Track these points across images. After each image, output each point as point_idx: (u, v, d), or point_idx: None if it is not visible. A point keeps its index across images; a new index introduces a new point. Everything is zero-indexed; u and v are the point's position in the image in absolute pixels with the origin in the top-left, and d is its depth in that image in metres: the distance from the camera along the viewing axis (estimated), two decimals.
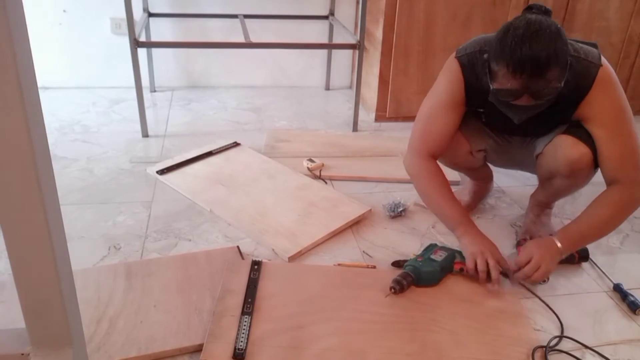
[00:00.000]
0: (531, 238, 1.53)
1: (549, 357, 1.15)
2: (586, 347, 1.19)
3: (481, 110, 1.47)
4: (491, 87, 1.27)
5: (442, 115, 1.43)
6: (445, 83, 1.43)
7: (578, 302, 1.34)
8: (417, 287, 1.32)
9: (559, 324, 1.26)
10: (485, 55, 1.27)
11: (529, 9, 1.25)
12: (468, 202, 1.73)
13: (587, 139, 1.34)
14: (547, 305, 1.31)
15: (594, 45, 1.35)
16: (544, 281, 1.38)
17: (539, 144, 1.48)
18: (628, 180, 1.31)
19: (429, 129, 1.46)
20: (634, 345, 1.21)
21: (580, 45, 1.32)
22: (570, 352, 1.17)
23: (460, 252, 1.39)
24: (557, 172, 1.40)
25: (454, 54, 1.42)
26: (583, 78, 1.28)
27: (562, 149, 1.36)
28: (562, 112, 1.36)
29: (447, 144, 1.46)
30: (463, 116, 1.47)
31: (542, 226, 1.60)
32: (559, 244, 1.32)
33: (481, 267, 1.31)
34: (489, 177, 1.79)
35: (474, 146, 1.55)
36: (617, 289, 1.38)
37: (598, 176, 1.40)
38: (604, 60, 1.31)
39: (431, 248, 1.40)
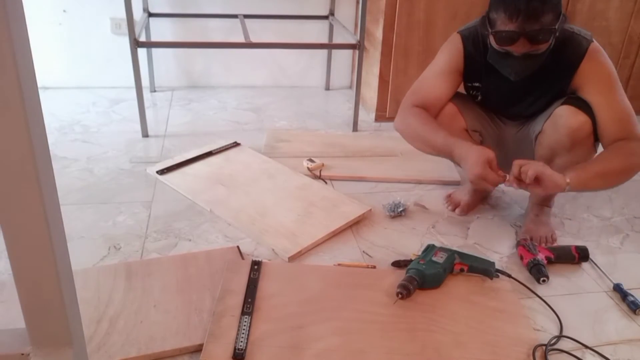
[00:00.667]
0: (532, 238, 1.53)
1: (548, 357, 1.15)
2: (586, 347, 1.19)
3: (477, 84, 1.54)
4: (489, 37, 1.35)
5: (434, 78, 1.54)
6: (445, 52, 1.54)
7: (578, 302, 1.34)
8: (420, 290, 1.31)
9: (559, 324, 1.26)
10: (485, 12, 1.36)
11: None
12: (468, 201, 1.73)
13: (586, 108, 1.38)
14: (548, 305, 1.31)
15: (588, 33, 1.42)
16: (544, 280, 1.39)
17: (537, 124, 1.50)
18: (631, 137, 1.36)
19: (419, 86, 1.56)
20: (634, 345, 1.21)
21: (574, 26, 1.42)
22: (570, 352, 1.17)
23: (460, 252, 1.39)
24: (559, 145, 1.42)
25: (456, 31, 1.53)
26: (575, 50, 1.38)
27: (563, 119, 1.39)
28: (555, 85, 1.42)
29: (437, 105, 1.52)
30: (461, 96, 1.55)
31: (542, 225, 1.60)
32: (567, 178, 1.33)
33: (488, 183, 1.37)
34: None
35: (469, 124, 1.58)
36: (617, 289, 1.38)
37: None
38: (595, 42, 1.39)
39: (431, 249, 1.40)
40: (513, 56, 1.34)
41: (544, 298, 1.34)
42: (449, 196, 1.79)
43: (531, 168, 1.32)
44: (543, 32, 1.28)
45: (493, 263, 1.38)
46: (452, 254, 1.38)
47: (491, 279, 1.36)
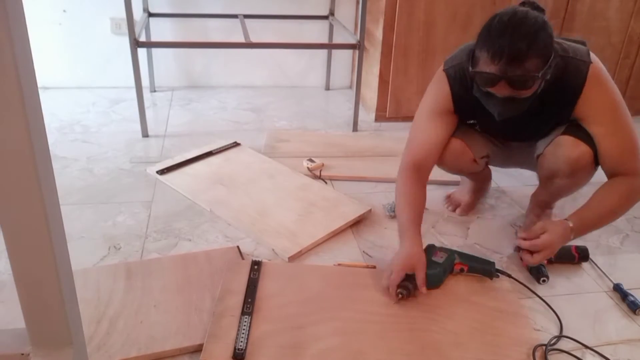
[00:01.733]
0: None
1: (549, 357, 1.15)
2: (586, 347, 1.19)
3: (473, 122, 1.51)
4: (472, 72, 1.29)
5: (425, 126, 1.45)
6: (432, 94, 1.46)
7: (578, 302, 1.34)
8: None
9: (559, 324, 1.26)
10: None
11: (522, 4, 1.27)
12: (468, 201, 1.73)
13: (586, 138, 1.35)
14: (547, 305, 1.31)
15: (582, 43, 1.36)
16: (544, 280, 1.39)
17: (539, 145, 1.48)
18: (631, 172, 1.33)
19: (412, 138, 1.48)
20: (634, 345, 1.21)
21: (569, 44, 1.33)
22: (570, 352, 1.17)
23: (460, 253, 1.39)
24: (559, 171, 1.40)
25: (442, 66, 1.44)
26: (575, 77, 1.29)
27: (563, 148, 1.37)
28: (557, 114, 1.37)
29: (434, 152, 1.45)
30: (462, 126, 1.50)
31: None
32: (571, 232, 1.32)
33: (384, 282, 1.28)
34: (488, 177, 1.80)
35: (477, 154, 1.55)
36: (617, 289, 1.38)
37: (597, 176, 1.40)
38: (593, 56, 1.32)
39: (431, 249, 1.38)
40: (496, 97, 1.27)
41: (544, 298, 1.34)
42: (448, 197, 1.79)
43: (533, 257, 1.32)
44: (525, 78, 1.20)
45: (493, 263, 1.38)
46: (451, 254, 1.38)
47: (491, 279, 1.36)
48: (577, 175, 1.39)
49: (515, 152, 1.60)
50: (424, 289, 1.26)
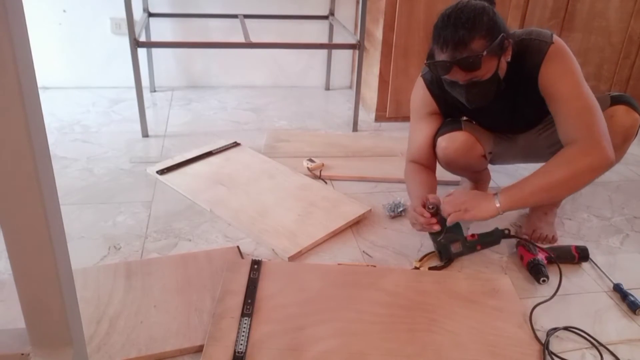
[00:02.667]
0: (532, 233, 1.58)
1: (549, 357, 1.15)
2: (587, 336, 1.19)
3: (465, 118, 1.56)
4: (428, 64, 1.36)
5: (418, 127, 1.57)
6: (417, 100, 1.57)
7: (578, 302, 1.34)
8: (442, 260, 1.44)
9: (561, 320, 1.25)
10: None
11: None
12: None
13: (636, 106, 1.39)
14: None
15: (549, 30, 1.40)
16: (544, 280, 1.39)
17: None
18: (586, 140, 1.28)
19: (410, 140, 1.61)
20: (634, 345, 1.21)
21: (535, 29, 1.39)
22: (570, 351, 1.18)
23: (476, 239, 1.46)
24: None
25: (420, 76, 1.55)
26: (535, 56, 1.34)
27: (618, 118, 1.37)
28: (530, 96, 1.40)
29: (428, 150, 1.56)
30: (469, 122, 1.56)
31: (547, 225, 1.61)
32: (496, 199, 1.34)
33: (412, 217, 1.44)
34: (487, 178, 1.80)
35: (486, 149, 1.57)
36: (617, 289, 1.38)
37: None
38: (556, 38, 1.35)
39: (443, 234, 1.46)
40: (460, 85, 1.33)
41: (543, 298, 1.34)
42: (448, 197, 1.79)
43: (451, 209, 1.39)
44: (472, 59, 1.26)
45: (501, 230, 1.45)
46: (458, 228, 1.46)
47: (498, 243, 1.44)
48: (623, 147, 1.41)
49: (521, 145, 1.61)
50: (448, 208, 1.39)
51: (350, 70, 2.89)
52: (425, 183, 1.52)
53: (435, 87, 1.50)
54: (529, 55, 1.35)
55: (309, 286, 1.31)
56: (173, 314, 1.20)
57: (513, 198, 1.33)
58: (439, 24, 1.30)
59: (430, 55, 1.36)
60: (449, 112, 1.54)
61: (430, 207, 1.40)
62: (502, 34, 1.28)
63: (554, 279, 1.41)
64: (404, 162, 1.62)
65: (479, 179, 1.74)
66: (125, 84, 2.57)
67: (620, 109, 1.38)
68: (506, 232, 1.45)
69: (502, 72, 1.33)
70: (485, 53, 1.25)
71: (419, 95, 1.55)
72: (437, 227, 1.40)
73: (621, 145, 1.40)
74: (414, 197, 1.50)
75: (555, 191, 1.33)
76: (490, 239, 1.46)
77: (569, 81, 1.33)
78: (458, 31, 1.25)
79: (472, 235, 1.46)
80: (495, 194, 1.35)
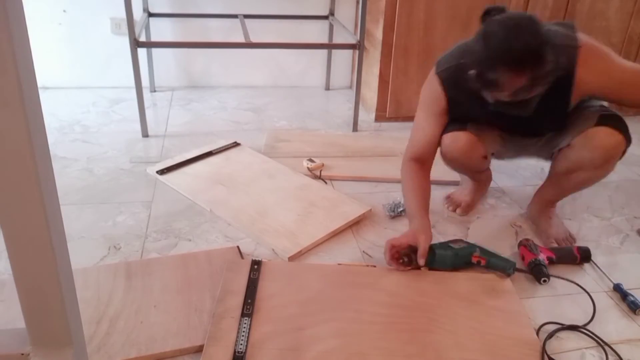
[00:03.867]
0: (557, 243, 1.55)
1: (548, 354, 1.15)
2: (593, 335, 1.19)
3: (475, 119, 1.52)
4: (495, 96, 1.28)
5: (422, 125, 1.53)
6: (426, 97, 1.51)
7: (578, 302, 1.34)
8: (430, 269, 1.38)
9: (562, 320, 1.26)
10: (472, 72, 1.27)
11: (488, 13, 1.28)
12: (468, 202, 1.74)
13: (621, 126, 1.37)
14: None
15: (570, 27, 1.35)
16: (545, 281, 1.38)
17: (563, 139, 1.47)
18: None
19: (413, 137, 1.56)
20: (634, 345, 1.21)
21: (555, 29, 1.32)
22: (570, 351, 1.18)
23: (481, 248, 1.42)
24: (589, 161, 1.40)
25: (434, 69, 1.47)
26: (566, 63, 1.30)
27: (598, 139, 1.37)
28: (561, 101, 1.38)
29: (432, 148, 1.53)
30: (473, 121, 1.52)
31: (559, 227, 1.61)
32: None
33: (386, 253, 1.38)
34: (489, 178, 1.80)
35: (488, 149, 1.56)
36: (617, 289, 1.38)
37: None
38: (580, 37, 1.32)
39: (455, 240, 1.45)
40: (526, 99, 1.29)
41: (543, 298, 1.34)
42: (448, 197, 1.79)
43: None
44: (550, 69, 1.21)
45: (513, 263, 1.40)
46: (472, 246, 1.42)
47: (508, 276, 1.38)
48: (605, 167, 1.41)
49: (526, 144, 1.60)
50: (422, 260, 1.34)
51: (350, 70, 2.89)
52: (420, 190, 1.49)
53: (453, 89, 1.44)
54: (560, 64, 1.27)
55: (309, 286, 1.31)
56: (173, 314, 1.20)
57: None
58: (499, 46, 1.20)
59: (491, 84, 1.25)
60: (459, 114, 1.50)
61: (405, 258, 1.36)
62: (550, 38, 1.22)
63: (554, 279, 1.41)
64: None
65: (479, 179, 1.74)
66: (125, 84, 2.57)
67: (602, 131, 1.37)
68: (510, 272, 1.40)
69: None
70: (555, 59, 1.21)
71: (432, 93, 1.49)
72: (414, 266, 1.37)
73: (602, 165, 1.40)
74: (408, 205, 1.48)
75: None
76: (498, 264, 1.41)
77: (616, 71, 1.32)
78: (528, 47, 1.18)
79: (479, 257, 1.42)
80: None
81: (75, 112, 2.39)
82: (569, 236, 1.59)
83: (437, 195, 1.83)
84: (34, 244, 0.61)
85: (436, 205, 1.76)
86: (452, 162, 1.59)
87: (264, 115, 2.48)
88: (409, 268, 1.37)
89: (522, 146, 1.61)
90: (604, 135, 1.37)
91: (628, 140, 1.38)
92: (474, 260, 1.40)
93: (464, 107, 1.46)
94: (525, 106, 1.31)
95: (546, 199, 1.61)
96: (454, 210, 1.74)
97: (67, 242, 0.69)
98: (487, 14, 1.28)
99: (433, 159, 1.56)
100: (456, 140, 1.51)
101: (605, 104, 1.47)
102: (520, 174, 1.93)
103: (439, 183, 1.89)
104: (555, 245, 1.54)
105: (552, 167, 1.56)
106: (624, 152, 1.40)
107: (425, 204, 1.46)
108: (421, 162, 1.54)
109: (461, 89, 1.37)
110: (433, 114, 1.50)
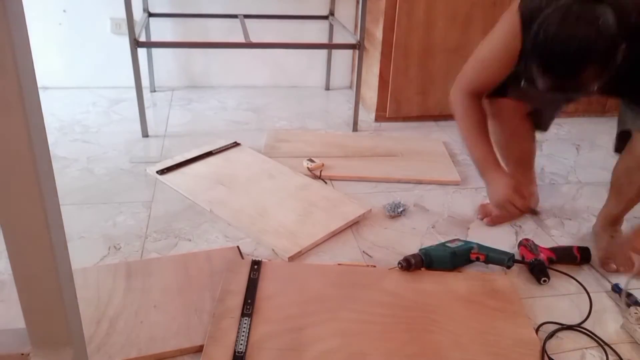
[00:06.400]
0: (616, 264, 1.46)
1: (548, 353, 1.15)
2: (592, 335, 1.19)
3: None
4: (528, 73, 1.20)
5: (493, 64, 1.40)
6: (502, 34, 1.36)
7: (578, 302, 1.34)
8: (428, 269, 1.38)
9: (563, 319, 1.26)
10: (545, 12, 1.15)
11: None
12: (498, 214, 1.63)
13: None
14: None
15: None
16: (545, 281, 1.39)
17: (628, 120, 1.34)
18: None
19: (479, 70, 1.44)
20: (634, 345, 1.21)
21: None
22: (570, 351, 1.18)
23: (478, 244, 1.43)
24: None
25: (516, 4, 1.31)
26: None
27: None
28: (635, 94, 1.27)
29: (490, 88, 1.46)
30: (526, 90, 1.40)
31: (620, 247, 1.50)
32: None
33: (511, 211, 1.33)
34: (533, 154, 1.69)
35: (533, 109, 1.49)
36: (616, 289, 1.38)
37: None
38: None
39: (452, 240, 1.45)
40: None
41: (543, 298, 1.34)
42: (482, 205, 1.72)
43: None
44: (583, 90, 1.14)
45: (512, 254, 1.41)
46: (469, 244, 1.43)
47: (508, 268, 1.39)
48: None
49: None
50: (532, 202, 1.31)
51: (350, 70, 2.89)
52: (486, 133, 1.41)
53: (528, 32, 1.22)
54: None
55: (309, 286, 1.31)
56: (173, 314, 1.20)
57: None
58: (541, 37, 1.11)
59: (532, 48, 1.15)
60: (521, 72, 1.33)
61: (404, 263, 1.36)
62: (616, 53, 1.08)
63: (554, 279, 1.41)
64: (404, 159, 1.55)
65: (524, 153, 1.66)
66: (125, 84, 2.56)
67: None
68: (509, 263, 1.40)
69: None
70: (599, 84, 1.11)
71: (508, 33, 1.33)
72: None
73: None
74: (480, 151, 1.41)
75: None
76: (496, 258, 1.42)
77: None
78: (565, 56, 1.08)
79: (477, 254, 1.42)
80: None
81: (75, 112, 2.39)
82: (629, 259, 1.44)
83: (437, 195, 1.83)
84: (34, 244, 0.61)
85: (437, 206, 1.76)
86: (500, 124, 1.52)
87: (264, 115, 2.48)
88: (408, 270, 1.36)
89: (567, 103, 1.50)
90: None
91: None
92: (473, 257, 1.41)
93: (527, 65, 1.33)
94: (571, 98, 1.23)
95: (609, 214, 1.53)
96: (482, 219, 1.67)
97: (67, 242, 0.69)
98: None
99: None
100: (500, 104, 1.47)
101: None
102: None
103: (439, 183, 1.89)
104: (614, 266, 1.45)
105: (612, 172, 1.46)
106: None
107: (489, 147, 1.43)
108: (478, 96, 1.46)
109: (537, 34, 1.22)
110: (504, 54, 1.35)
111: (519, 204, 1.31)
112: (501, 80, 1.41)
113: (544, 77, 1.15)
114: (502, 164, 1.56)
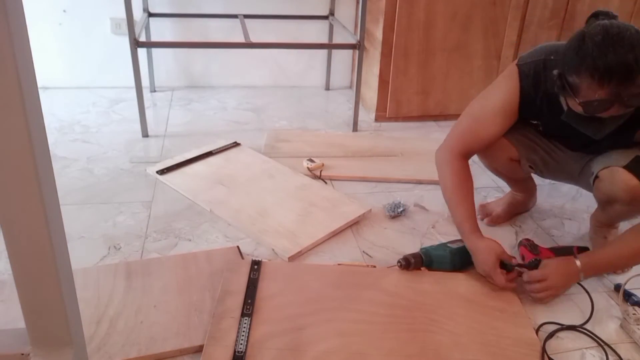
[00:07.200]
0: None
1: (548, 354, 1.15)
2: (592, 335, 1.19)
3: (535, 122, 1.42)
4: (570, 103, 1.19)
5: (490, 122, 1.39)
6: (503, 89, 1.38)
7: (578, 302, 1.34)
8: (429, 269, 1.38)
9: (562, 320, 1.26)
10: (556, 71, 1.20)
11: (595, 16, 1.16)
12: (499, 213, 1.68)
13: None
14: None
15: None
16: None
17: (595, 164, 1.39)
18: None
19: (474, 129, 1.41)
20: (634, 345, 1.21)
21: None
22: (570, 351, 1.18)
23: None
24: (617, 198, 1.34)
25: (516, 61, 1.36)
26: None
27: (620, 175, 1.29)
28: (631, 131, 1.28)
29: (485, 149, 1.45)
30: (517, 127, 1.43)
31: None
32: (581, 274, 1.30)
33: (498, 282, 1.31)
34: (529, 191, 1.71)
35: (522, 154, 1.49)
36: (618, 289, 1.38)
37: None
38: None
39: (453, 241, 1.44)
40: (600, 118, 1.17)
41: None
42: (482, 205, 1.72)
43: (536, 296, 1.30)
44: (609, 103, 1.10)
45: (512, 258, 1.40)
46: None
47: (508, 272, 1.37)
48: (636, 203, 1.31)
49: (568, 163, 1.50)
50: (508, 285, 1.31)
51: (350, 70, 2.89)
52: (469, 198, 1.38)
53: (530, 84, 1.32)
54: None
55: (309, 286, 1.31)
56: (173, 314, 1.20)
57: (594, 268, 1.33)
58: (592, 51, 1.09)
59: (572, 86, 1.15)
60: (527, 112, 1.37)
61: (403, 262, 1.36)
62: None
63: None
64: (404, 159, 1.54)
65: (519, 189, 1.68)
66: (125, 84, 2.57)
67: (623, 174, 1.29)
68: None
69: None
70: (619, 109, 1.11)
71: (507, 88, 1.36)
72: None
73: (631, 202, 1.31)
74: (461, 216, 1.37)
75: (628, 262, 1.37)
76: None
77: None
78: (622, 62, 1.06)
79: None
80: (575, 258, 1.31)
81: (75, 112, 2.39)
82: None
83: (438, 195, 1.82)
84: (34, 244, 0.61)
85: (436, 206, 1.76)
86: (483, 160, 1.54)
87: (264, 115, 2.48)
88: (408, 269, 1.37)
89: (562, 166, 1.51)
90: (625, 173, 1.28)
91: None
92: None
93: (533, 109, 1.35)
94: (597, 127, 1.20)
95: (600, 221, 1.54)
96: (482, 219, 1.67)
97: (67, 242, 0.69)
98: (595, 17, 1.16)
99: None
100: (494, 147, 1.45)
101: None
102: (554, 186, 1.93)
103: (438, 183, 1.89)
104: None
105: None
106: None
107: (475, 212, 1.39)
108: (467, 158, 1.43)
109: (538, 87, 1.30)
110: (504, 111, 1.37)
111: (499, 281, 1.30)
112: (494, 138, 1.41)
113: (602, 87, 1.10)
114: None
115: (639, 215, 1.46)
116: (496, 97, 1.39)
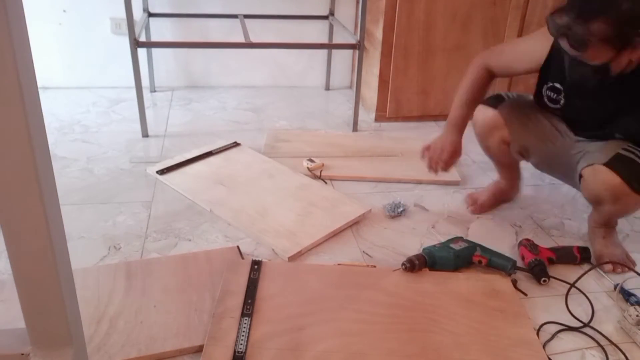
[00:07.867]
0: (612, 264, 1.46)
1: (548, 354, 1.15)
2: (592, 335, 1.19)
3: (558, 86, 1.43)
4: (547, 16, 1.25)
5: (521, 51, 1.49)
6: (536, 38, 1.44)
7: (578, 302, 1.34)
8: (431, 270, 1.38)
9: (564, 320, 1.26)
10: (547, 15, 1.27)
11: None
12: (484, 201, 1.72)
13: (625, 170, 1.30)
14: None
15: None
16: (545, 281, 1.38)
17: (581, 163, 1.42)
18: None
19: (504, 49, 1.57)
20: (634, 345, 1.21)
21: None
22: (570, 351, 1.18)
23: (481, 246, 1.43)
24: (601, 198, 1.36)
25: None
26: None
27: (602, 175, 1.32)
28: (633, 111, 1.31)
29: (506, 71, 1.55)
30: (513, 104, 1.55)
31: (614, 247, 1.51)
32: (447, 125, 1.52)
33: (429, 155, 1.53)
34: (514, 181, 1.74)
35: (513, 138, 1.54)
36: (619, 289, 1.38)
37: None
38: None
39: (454, 239, 1.45)
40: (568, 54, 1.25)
41: (543, 298, 1.34)
42: (469, 195, 1.78)
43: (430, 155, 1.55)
44: (582, 38, 1.14)
45: (514, 261, 1.40)
46: (472, 245, 1.43)
47: (509, 275, 1.38)
48: (621, 202, 1.34)
49: (560, 156, 1.52)
50: (448, 168, 1.54)
51: (350, 70, 2.89)
52: (476, 90, 1.52)
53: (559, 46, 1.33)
54: None
55: (309, 286, 1.31)
56: (173, 314, 1.20)
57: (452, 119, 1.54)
58: None
59: (559, 9, 1.21)
60: (553, 72, 1.41)
61: (404, 266, 1.36)
62: (637, 31, 1.13)
63: (554, 280, 1.41)
64: (404, 159, 1.59)
65: (504, 176, 1.73)
66: (125, 84, 2.57)
67: (603, 172, 1.32)
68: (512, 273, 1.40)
69: (618, 67, 1.21)
70: (599, 40, 1.14)
71: (541, 39, 1.39)
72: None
73: (614, 201, 1.35)
74: (455, 107, 1.53)
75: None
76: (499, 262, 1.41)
77: None
78: (588, 3, 1.14)
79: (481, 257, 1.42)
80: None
81: (75, 112, 2.39)
82: (625, 257, 1.49)
83: (438, 195, 1.83)
84: (34, 244, 0.61)
85: (436, 206, 1.76)
86: (477, 135, 1.62)
87: (264, 115, 2.48)
88: (411, 271, 1.36)
89: (554, 156, 1.53)
90: (606, 172, 1.31)
91: (632, 187, 1.29)
92: (475, 259, 1.41)
93: (560, 69, 1.38)
94: (577, 72, 1.27)
95: (595, 221, 1.54)
96: (467, 208, 1.73)
97: (67, 242, 0.69)
98: None
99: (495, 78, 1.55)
100: (483, 114, 1.54)
101: None
102: (543, 178, 1.93)
103: (439, 183, 1.89)
104: (611, 266, 1.45)
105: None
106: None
107: (473, 104, 1.54)
108: (491, 73, 1.52)
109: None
110: (530, 51, 1.45)
111: (440, 156, 1.50)
112: (514, 68, 1.51)
113: (562, 14, 1.18)
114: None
115: (633, 212, 1.47)
116: (529, 40, 1.50)
